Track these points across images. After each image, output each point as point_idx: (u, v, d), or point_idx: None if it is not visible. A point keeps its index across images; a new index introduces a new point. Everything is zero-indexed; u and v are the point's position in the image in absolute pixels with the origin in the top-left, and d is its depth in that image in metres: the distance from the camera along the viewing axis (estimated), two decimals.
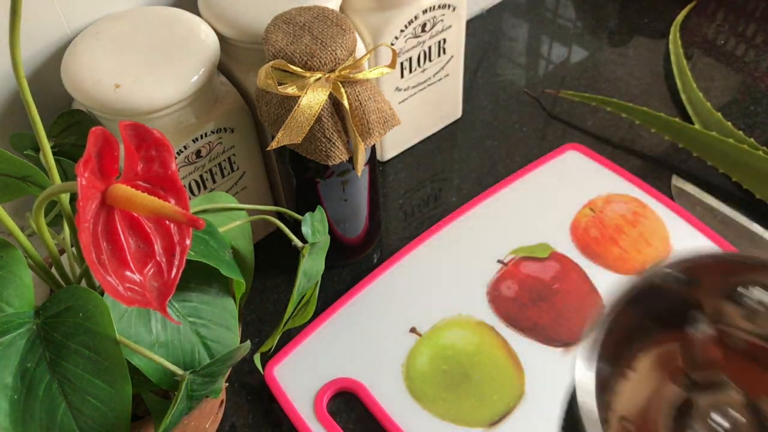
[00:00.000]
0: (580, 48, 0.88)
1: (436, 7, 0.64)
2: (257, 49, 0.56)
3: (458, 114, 0.79)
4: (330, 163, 0.52)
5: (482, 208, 0.70)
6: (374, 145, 0.57)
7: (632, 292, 0.32)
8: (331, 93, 0.50)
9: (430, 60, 0.69)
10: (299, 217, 0.51)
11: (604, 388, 0.31)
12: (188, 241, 0.35)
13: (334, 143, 0.51)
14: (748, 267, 0.32)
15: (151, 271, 0.34)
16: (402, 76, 0.68)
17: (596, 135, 0.77)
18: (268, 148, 0.51)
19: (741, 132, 0.71)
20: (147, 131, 0.34)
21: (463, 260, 0.66)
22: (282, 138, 0.50)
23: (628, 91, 0.81)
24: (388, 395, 0.57)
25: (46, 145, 0.39)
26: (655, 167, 0.74)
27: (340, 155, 0.52)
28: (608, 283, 0.63)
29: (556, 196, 0.70)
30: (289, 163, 0.57)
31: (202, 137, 0.55)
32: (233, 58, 0.59)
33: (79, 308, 0.36)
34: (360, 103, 0.51)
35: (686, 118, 0.77)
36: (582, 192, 0.70)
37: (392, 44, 0.64)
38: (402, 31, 0.64)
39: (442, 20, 0.66)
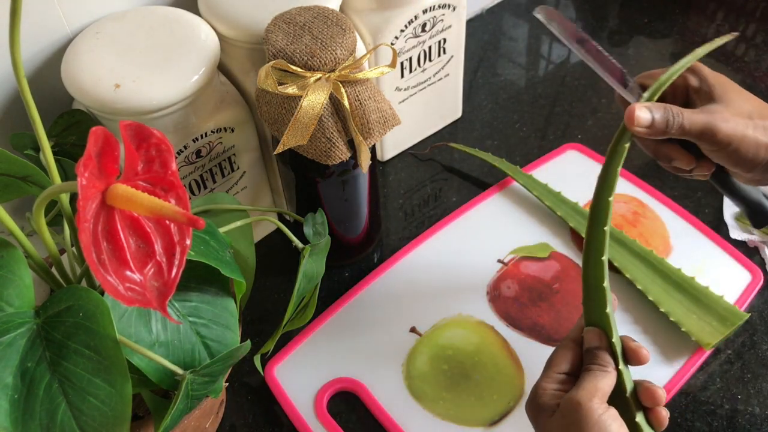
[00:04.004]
0: None
1: (436, 6, 0.64)
2: (257, 49, 0.56)
3: (458, 114, 0.79)
4: (330, 163, 0.52)
5: (482, 208, 0.70)
6: (374, 145, 0.57)
7: None
8: (331, 93, 0.50)
9: (430, 60, 0.69)
10: (299, 218, 0.51)
11: None
12: (188, 241, 0.35)
13: (334, 143, 0.51)
14: None
15: (152, 270, 0.34)
16: (402, 75, 0.68)
17: (596, 135, 0.77)
18: (274, 152, 0.51)
19: None
20: (147, 131, 0.34)
21: (463, 260, 0.66)
22: (288, 140, 0.50)
23: None
24: (388, 395, 0.57)
25: (46, 145, 0.39)
26: (655, 167, 0.74)
27: (340, 155, 0.52)
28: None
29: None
30: (289, 163, 0.57)
31: (202, 137, 0.55)
32: (233, 58, 0.59)
33: (79, 308, 0.36)
34: (360, 103, 0.51)
35: None
36: (582, 192, 0.70)
37: (392, 44, 0.64)
38: (402, 31, 0.64)
39: (442, 20, 0.66)
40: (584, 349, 0.44)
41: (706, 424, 0.55)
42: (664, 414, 0.43)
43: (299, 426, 0.56)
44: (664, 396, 0.42)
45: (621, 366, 0.43)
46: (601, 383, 0.41)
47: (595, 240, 0.45)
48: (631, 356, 0.44)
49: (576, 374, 0.44)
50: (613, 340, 0.44)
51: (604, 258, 0.45)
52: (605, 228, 0.45)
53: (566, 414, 0.41)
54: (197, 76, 0.51)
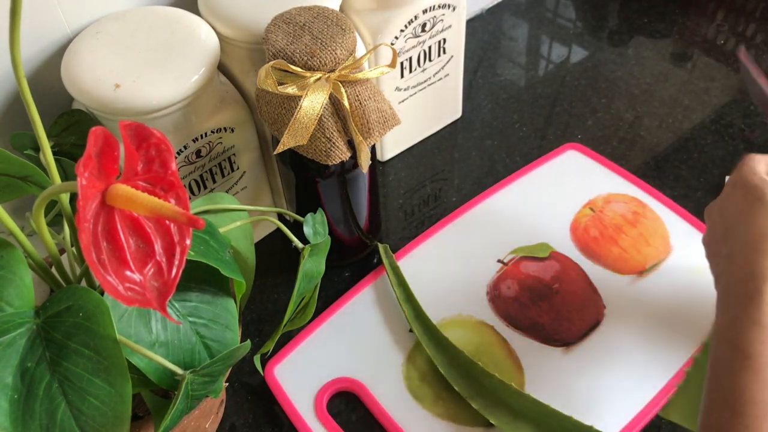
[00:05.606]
0: (580, 48, 0.88)
1: (436, 6, 0.64)
2: (257, 49, 0.56)
3: (458, 114, 0.79)
4: (330, 163, 0.52)
5: (482, 208, 0.70)
6: (374, 144, 0.57)
7: None
8: (331, 93, 0.50)
9: (430, 60, 0.69)
10: (300, 218, 0.51)
11: None
12: (188, 241, 0.35)
13: (334, 143, 0.51)
14: None
15: (151, 270, 0.34)
16: (402, 75, 0.68)
17: (596, 135, 0.77)
18: (274, 152, 0.51)
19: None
20: (147, 131, 0.34)
21: (463, 260, 0.66)
22: (287, 140, 0.50)
23: (628, 91, 0.82)
24: (388, 395, 0.57)
25: (46, 145, 0.39)
26: (655, 167, 0.74)
27: (340, 155, 0.52)
28: (608, 283, 0.63)
29: (556, 196, 0.70)
30: (289, 163, 0.57)
31: (202, 137, 0.55)
32: (233, 58, 0.59)
33: (79, 308, 0.36)
34: (360, 103, 0.51)
35: None
36: (582, 192, 0.70)
37: (392, 44, 0.64)
38: (402, 30, 0.64)
39: (442, 20, 0.66)
40: None
41: None
42: None
43: (299, 426, 0.56)
44: None
45: None
46: None
47: None
48: None
49: None
50: None
51: None
52: None
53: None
54: (197, 76, 0.51)
